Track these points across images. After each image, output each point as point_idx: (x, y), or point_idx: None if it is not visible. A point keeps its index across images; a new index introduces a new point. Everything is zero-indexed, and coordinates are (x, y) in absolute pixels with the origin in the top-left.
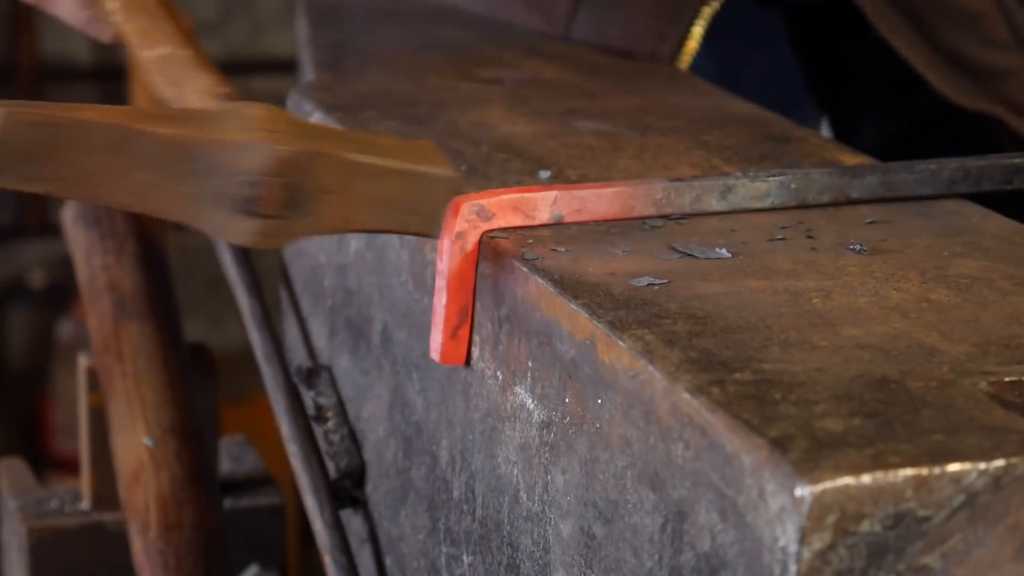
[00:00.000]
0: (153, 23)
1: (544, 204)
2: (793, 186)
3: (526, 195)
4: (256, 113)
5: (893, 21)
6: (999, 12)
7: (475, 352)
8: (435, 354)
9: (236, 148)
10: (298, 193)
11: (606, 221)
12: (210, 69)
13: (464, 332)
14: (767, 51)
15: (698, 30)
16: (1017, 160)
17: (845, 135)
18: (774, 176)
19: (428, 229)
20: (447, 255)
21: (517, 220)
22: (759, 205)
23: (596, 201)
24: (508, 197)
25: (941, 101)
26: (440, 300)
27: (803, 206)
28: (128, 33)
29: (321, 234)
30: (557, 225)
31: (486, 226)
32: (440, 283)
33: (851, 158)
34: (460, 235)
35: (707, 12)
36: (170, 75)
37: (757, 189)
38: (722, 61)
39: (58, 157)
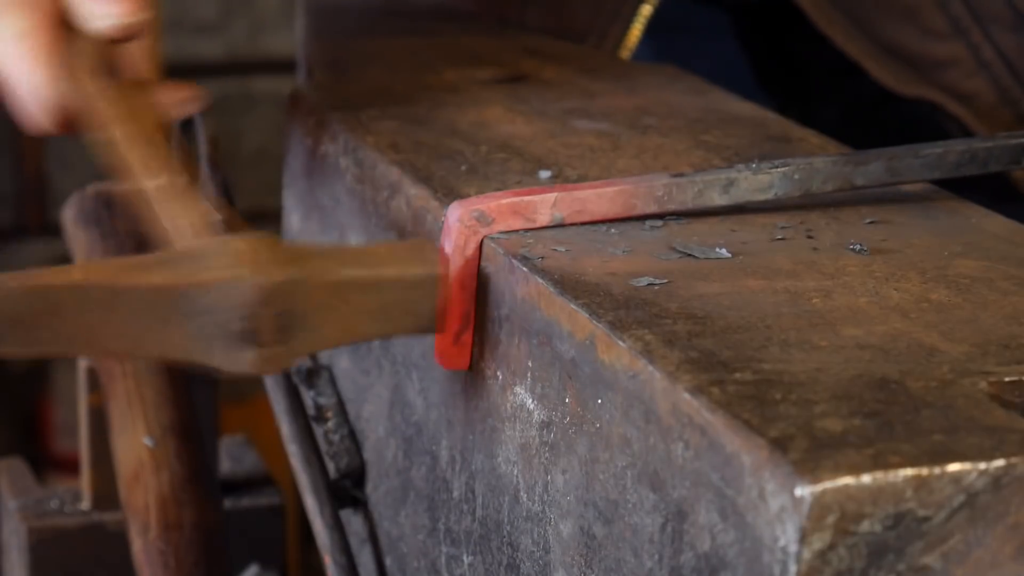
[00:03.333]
0: (152, 151)
1: (544, 206)
2: (797, 176)
3: (525, 198)
4: (241, 246)
5: (831, 14)
6: (934, 2)
7: (475, 352)
8: (439, 360)
9: (222, 287)
10: (291, 319)
11: (607, 221)
12: (201, 197)
13: (467, 337)
14: (714, 46)
15: (638, 25)
16: None
17: (797, 122)
18: (777, 167)
19: (427, 327)
20: (448, 261)
21: (517, 223)
22: (763, 197)
23: (597, 201)
24: (508, 201)
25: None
26: (443, 307)
27: (808, 196)
28: (130, 162)
29: (323, 348)
30: (557, 225)
31: (486, 231)
32: (443, 290)
33: None
34: (460, 241)
35: (646, 9)
36: (166, 206)
37: (760, 181)
38: (669, 58)
39: (53, 321)
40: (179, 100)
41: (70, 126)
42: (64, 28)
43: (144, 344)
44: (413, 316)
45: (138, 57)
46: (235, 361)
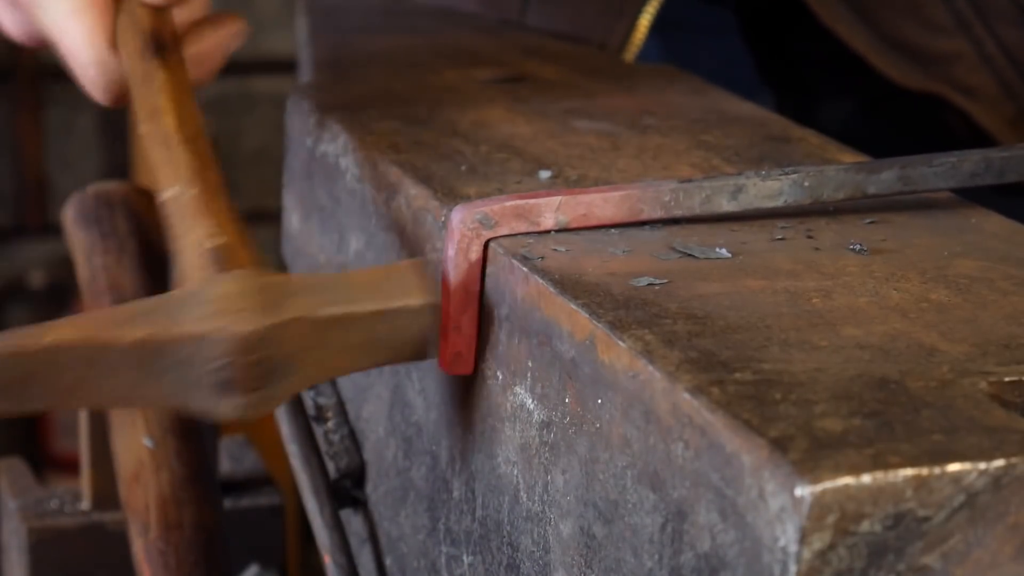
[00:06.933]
0: (166, 158)
1: (548, 210)
2: (807, 184)
3: (529, 201)
4: (222, 291)
5: (835, 10)
6: None
7: (475, 352)
8: (443, 367)
9: (199, 340)
10: (272, 364)
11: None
12: (212, 209)
13: (472, 342)
14: (719, 44)
15: (644, 21)
16: None
17: (800, 120)
18: (787, 174)
19: (418, 355)
20: (451, 266)
21: (521, 227)
22: (772, 204)
23: (602, 205)
24: (511, 204)
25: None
26: (446, 310)
27: (818, 204)
28: (153, 166)
29: (309, 386)
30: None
31: (489, 234)
32: (446, 293)
33: (850, 157)
34: (463, 245)
35: (652, 6)
36: (177, 220)
37: (769, 188)
38: (675, 54)
39: (36, 381)
40: (229, 36)
41: (127, 100)
42: (115, 1)
43: (127, 397)
44: (402, 347)
45: (190, 15)
46: (218, 409)
